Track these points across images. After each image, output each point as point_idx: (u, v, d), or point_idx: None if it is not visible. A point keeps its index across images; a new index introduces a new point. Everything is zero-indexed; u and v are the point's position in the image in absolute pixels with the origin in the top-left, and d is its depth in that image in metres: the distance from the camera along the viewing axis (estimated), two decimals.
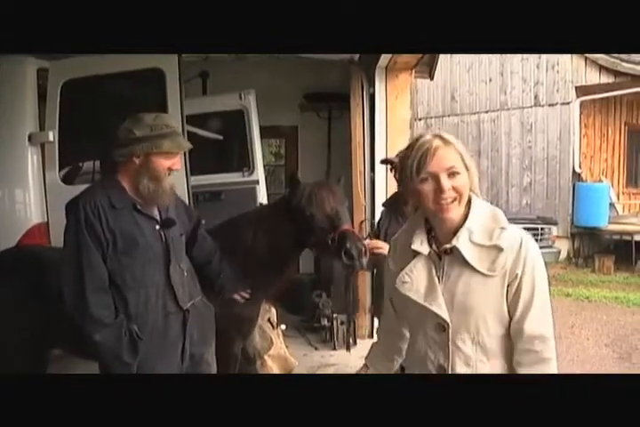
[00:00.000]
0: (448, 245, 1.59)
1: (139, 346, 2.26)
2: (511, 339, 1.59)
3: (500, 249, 1.53)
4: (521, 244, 1.54)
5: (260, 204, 5.10)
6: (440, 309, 1.59)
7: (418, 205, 1.65)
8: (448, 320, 1.59)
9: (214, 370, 2.62)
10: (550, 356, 1.56)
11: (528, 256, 1.53)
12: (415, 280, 1.65)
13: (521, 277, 1.53)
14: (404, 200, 3.19)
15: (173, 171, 2.37)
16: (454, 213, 1.57)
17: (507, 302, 1.56)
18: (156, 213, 2.41)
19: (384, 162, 3.45)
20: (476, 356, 1.60)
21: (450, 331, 1.60)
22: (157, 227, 2.39)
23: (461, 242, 1.56)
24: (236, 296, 2.86)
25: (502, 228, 1.55)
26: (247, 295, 2.91)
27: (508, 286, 1.54)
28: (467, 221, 1.57)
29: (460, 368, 1.60)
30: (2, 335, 2.81)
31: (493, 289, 1.55)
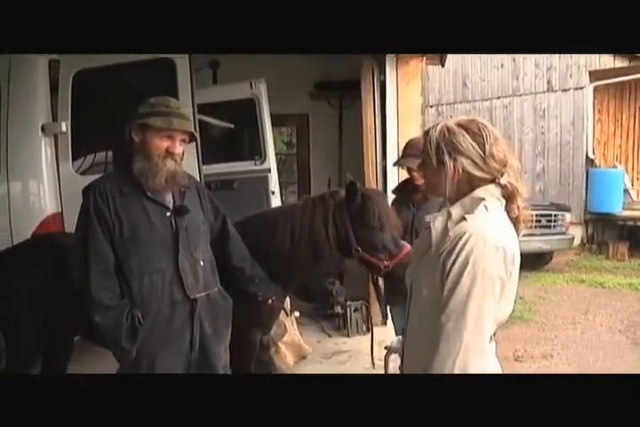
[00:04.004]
0: (427, 220, 1.66)
1: (139, 332, 2.27)
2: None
3: (447, 234, 1.53)
4: (461, 238, 1.49)
5: (272, 191, 5.14)
6: (410, 270, 1.73)
7: None
8: (407, 284, 1.73)
9: (225, 363, 2.57)
10: (435, 366, 1.48)
11: (461, 254, 1.48)
12: (418, 243, 1.83)
13: (448, 273, 1.49)
14: (413, 187, 3.23)
15: (175, 155, 2.35)
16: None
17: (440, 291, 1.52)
18: (168, 201, 2.41)
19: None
20: (420, 325, 1.64)
21: (411, 293, 1.71)
22: (168, 214, 2.39)
23: (437, 220, 1.61)
24: (270, 301, 2.86)
25: (463, 217, 1.55)
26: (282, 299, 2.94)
27: (442, 274, 1.51)
28: (453, 206, 1.61)
29: (408, 330, 1.72)
30: (26, 323, 2.89)
31: (432, 268, 1.55)
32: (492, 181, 1.60)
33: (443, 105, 11.67)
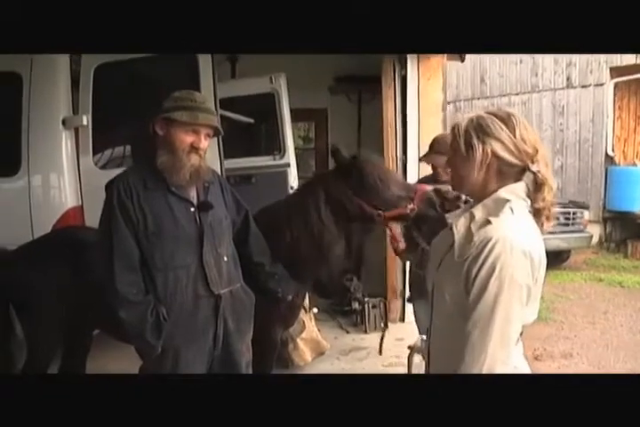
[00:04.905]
0: (450, 220, 1.63)
1: (163, 328, 2.25)
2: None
3: (472, 239, 1.49)
4: (487, 244, 1.45)
5: (292, 186, 5.12)
6: (431, 270, 1.72)
7: None
8: (428, 285, 1.73)
9: (248, 360, 2.56)
10: (463, 369, 1.47)
11: (488, 260, 1.44)
12: (438, 242, 1.77)
13: (474, 278, 1.46)
14: (435, 183, 3.19)
15: (200, 150, 2.33)
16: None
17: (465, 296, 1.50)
18: (192, 196, 2.40)
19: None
20: (444, 328, 1.62)
21: (433, 294, 1.69)
22: (192, 209, 2.37)
23: (459, 222, 1.57)
24: (290, 298, 2.80)
25: (488, 221, 1.50)
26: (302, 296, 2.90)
27: (467, 279, 1.48)
28: (475, 207, 1.58)
29: (432, 331, 1.71)
30: (45, 317, 2.90)
31: (455, 273, 1.52)
32: (523, 170, 1.55)
33: (460, 101, 11.56)
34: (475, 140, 1.55)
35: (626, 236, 9.69)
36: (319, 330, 4.38)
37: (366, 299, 5.07)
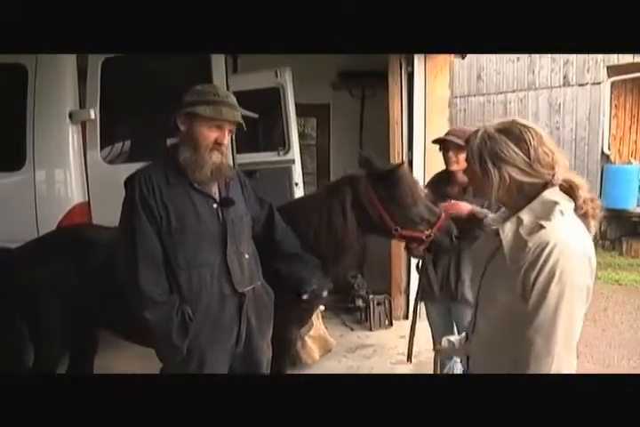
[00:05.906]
0: (494, 227, 1.61)
1: (189, 328, 2.20)
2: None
3: (525, 245, 1.47)
4: (544, 249, 1.43)
5: (296, 182, 5.08)
6: (475, 275, 1.72)
7: None
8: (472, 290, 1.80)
9: (268, 359, 2.53)
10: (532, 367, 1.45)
11: (546, 266, 1.42)
12: (480, 246, 1.76)
13: (533, 284, 1.44)
14: (448, 179, 3.17)
15: (222, 146, 2.28)
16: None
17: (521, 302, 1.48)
18: (214, 192, 2.35)
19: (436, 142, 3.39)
20: (489, 331, 1.63)
21: (478, 300, 1.70)
22: (215, 206, 2.32)
23: (506, 228, 1.54)
24: (325, 293, 2.76)
25: (541, 225, 1.48)
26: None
27: (524, 286, 1.46)
28: (522, 211, 1.55)
29: (476, 335, 1.70)
30: (50, 317, 2.85)
31: (507, 280, 1.50)
32: (545, 184, 1.54)
33: (457, 98, 11.51)
34: (490, 166, 1.54)
35: (621, 233, 9.74)
36: (326, 327, 4.36)
37: (370, 296, 5.05)
